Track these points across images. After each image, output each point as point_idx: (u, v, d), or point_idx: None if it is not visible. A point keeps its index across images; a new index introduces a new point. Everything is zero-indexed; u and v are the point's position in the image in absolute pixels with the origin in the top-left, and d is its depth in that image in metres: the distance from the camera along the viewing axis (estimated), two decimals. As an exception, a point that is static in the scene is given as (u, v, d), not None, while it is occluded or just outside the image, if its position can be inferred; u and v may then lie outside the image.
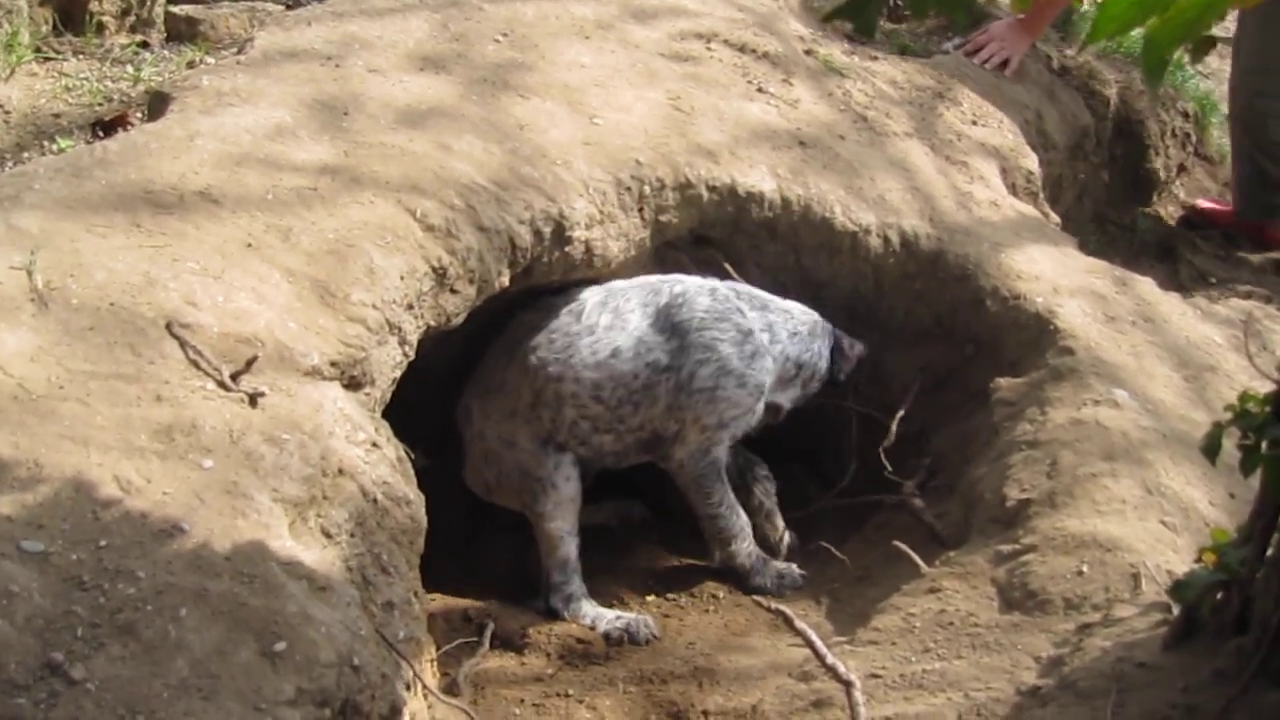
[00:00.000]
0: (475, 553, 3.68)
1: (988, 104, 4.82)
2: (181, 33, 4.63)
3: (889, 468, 3.47)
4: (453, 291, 3.01)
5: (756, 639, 3.22)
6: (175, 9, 4.62)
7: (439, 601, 3.24)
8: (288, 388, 2.34)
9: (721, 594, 3.50)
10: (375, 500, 2.34)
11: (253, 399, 2.25)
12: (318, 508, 2.18)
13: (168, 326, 2.35)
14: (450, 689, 2.83)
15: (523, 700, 2.84)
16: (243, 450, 2.14)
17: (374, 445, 2.42)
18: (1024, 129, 4.91)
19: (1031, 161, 4.71)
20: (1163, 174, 6.24)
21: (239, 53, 3.66)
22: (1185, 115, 6.33)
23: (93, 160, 2.88)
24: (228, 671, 1.79)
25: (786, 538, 3.65)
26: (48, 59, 4.25)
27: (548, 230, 3.27)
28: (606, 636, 3.16)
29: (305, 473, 2.17)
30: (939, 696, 2.42)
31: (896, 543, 3.17)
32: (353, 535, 2.23)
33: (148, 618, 1.81)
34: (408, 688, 2.23)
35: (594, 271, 3.48)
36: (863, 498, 3.58)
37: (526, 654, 3.13)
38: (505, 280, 3.19)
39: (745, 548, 3.42)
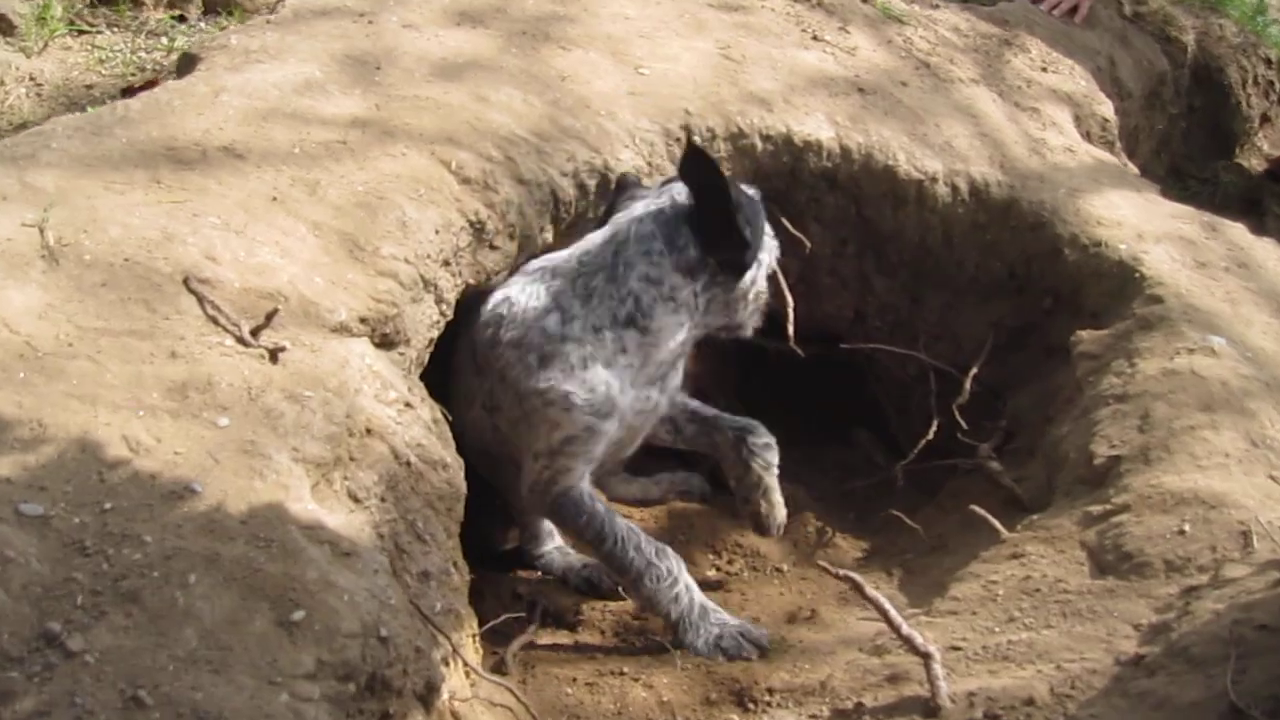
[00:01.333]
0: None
1: (1057, 51, 4.55)
2: (218, 4, 4.52)
3: (964, 426, 3.23)
4: (492, 247, 2.84)
5: (825, 612, 3.01)
6: (213, -19, 4.51)
7: (487, 577, 3.09)
8: (311, 343, 2.17)
9: (786, 566, 3.30)
10: (408, 463, 2.17)
11: (273, 355, 2.09)
12: (344, 469, 2.02)
13: (185, 281, 2.20)
14: (498, 668, 2.67)
15: (575, 679, 2.66)
16: (261, 408, 1.98)
17: (407, 405, 2.25)
18: (1096, 76, 4.64)
19: (1106, 108, 4.44)
20: (1245, 125, 5.91)
21: (271, 14, 3.52)
22: (1268, 62, 5.98)
23: (114, 118, 2.75)
24: (240, 642, 1.63)
25: (780, 516, 3.11)
26: (82, 32, 4.16)
27: (592, 183, 3.08)
28: (576, 589, 3.02)
29: (329, 431, 2.00)
30: (1027, 669, 2.20)
31: (974, 506, 2.94)
32: (383, 500, 2.07)
33: (154, 585, 1.66)
34: (446, 663, 2.06)
35: (642, 227, 3.29)
36: (935, 462, 3.33)
37: (580, 631, 2.95)
38: (549, 236, 3.02)
39: (663, 589, 2.69)
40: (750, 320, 2.97)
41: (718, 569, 3.30)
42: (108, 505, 1.74)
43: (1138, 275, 3.24)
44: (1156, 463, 2.59)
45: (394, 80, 3.10)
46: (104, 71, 3.93)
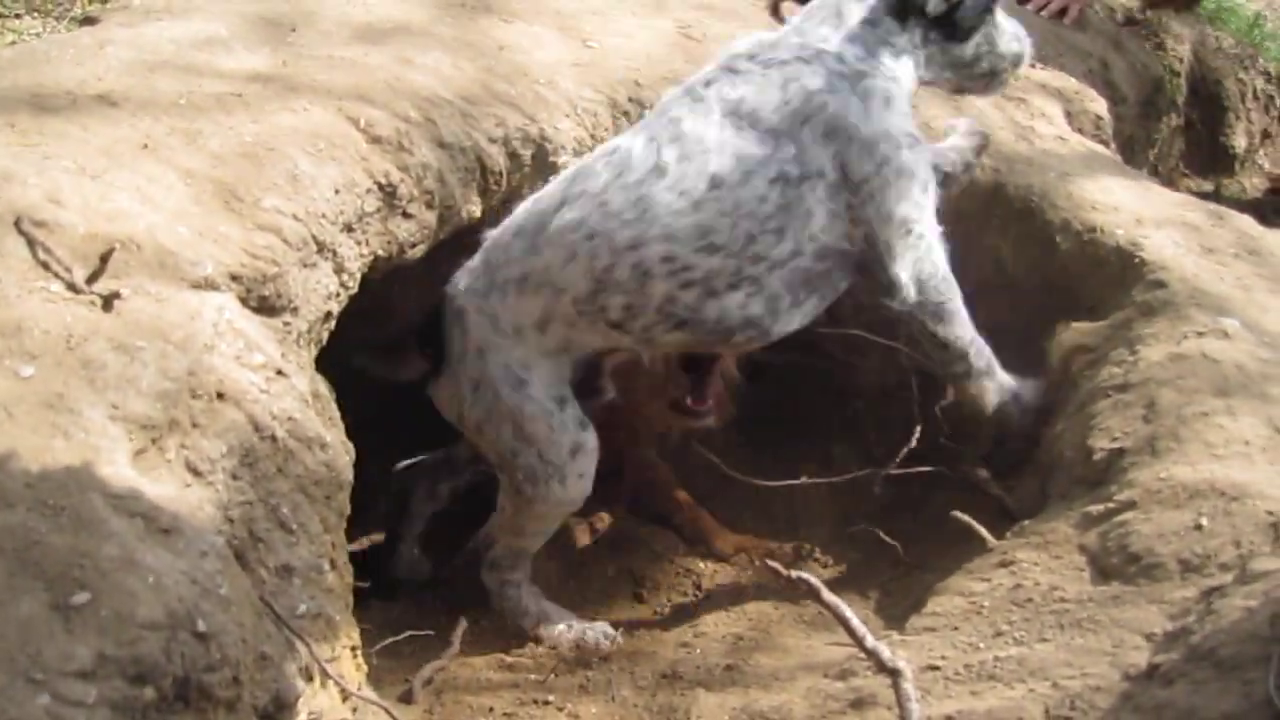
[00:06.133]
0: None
1: (1045, 50, 4.27)
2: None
3: (947, 429, 2.88)
4: (406, 215, 2.50)
5: (788, 638, 2.64)
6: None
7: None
8: (159, 294, 1.83)
9: (749, 589, 2.93)
10: (273, 438, 1.81)
11: (107, 302, 1.74)
12: (182, 435, 1.66)
13: (16, 223, 1.86)
14: (405, 695, 2.30)
15: (491, 709, 2.28)
16: (79, 358, 1.63)
17: (278, 373, 1.90)
18: (1088, 79, 4.35)
19: (1100, 106, 4.13)
20: (1244, 141, 5.63)
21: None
22: (1267, 76, 5.72)
23: (-23, 67, 2.44)
24: (-5, 629, 1.27)
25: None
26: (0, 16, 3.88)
27: (527, 154, 2.76)
28: (552, 645, 2.58)
29: (162, 388, 1.65)
30: (1018, 688, 1.83)
31: (956, 512, 2.58)
32: (235, 477, 1.71)
33: (-107, 557, 1.30)
34: (307, 677, 1.69)
35: (586, 208, 2.96)
36: (915, 468, 2.96)
37: (511, 657, 2.58)
38: (475, 210, 2.69)
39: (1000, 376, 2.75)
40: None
41: (674, 590, 2.93)
42: None
43: (1138, 260, 2.90)
44: (1165, 454, 2.24)
45: (308, 41, 2.79)
46: (12, 54, 3.62)
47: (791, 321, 2.59)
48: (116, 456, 1.53)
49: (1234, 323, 2.53)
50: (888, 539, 2.86)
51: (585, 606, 2.82)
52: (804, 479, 3.11)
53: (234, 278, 2.01)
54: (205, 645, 1.42)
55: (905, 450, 3.00)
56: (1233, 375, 2.36)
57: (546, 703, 2.29)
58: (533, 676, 2.46)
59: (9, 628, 1.27)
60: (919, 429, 3.07)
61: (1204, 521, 2.00)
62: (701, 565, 3.01)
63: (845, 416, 3.57)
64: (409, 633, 2.27)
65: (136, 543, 1.43)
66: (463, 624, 2.57)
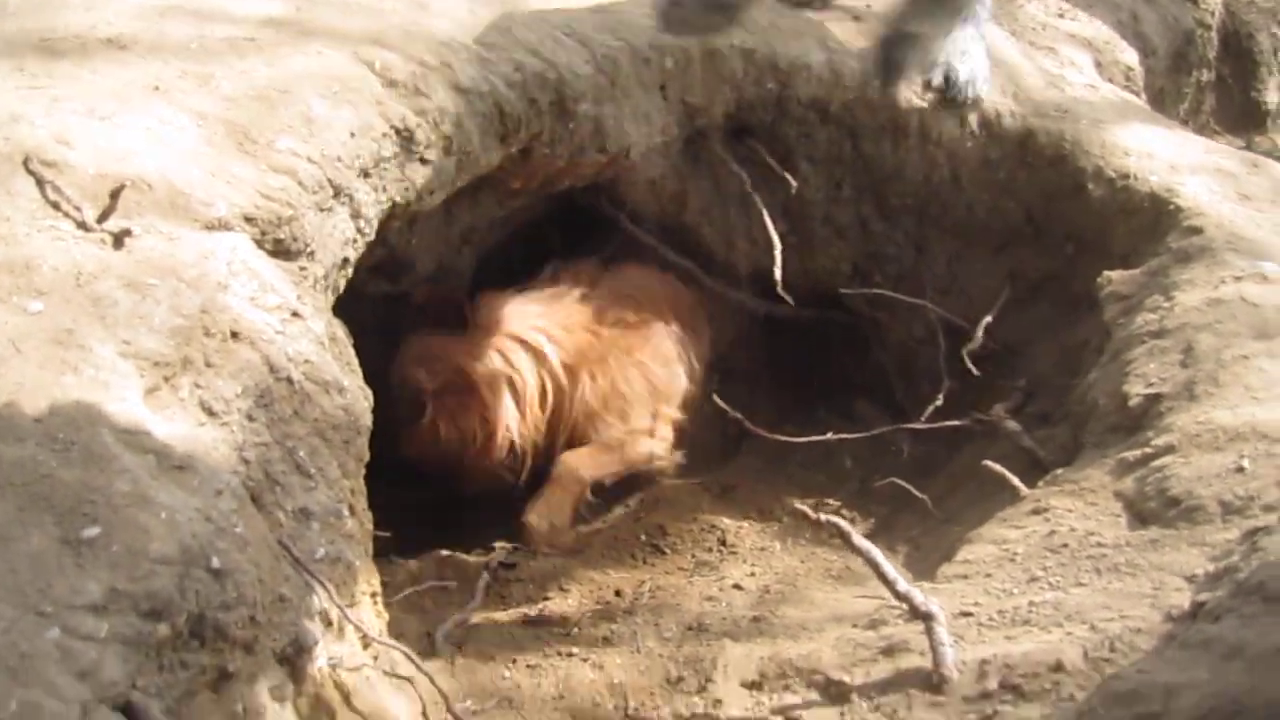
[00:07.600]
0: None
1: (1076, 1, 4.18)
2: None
3: (975, 373, 2.82)
4: (423, 161, 2.45)
5: (815, 591, 2.59)
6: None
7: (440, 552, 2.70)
8: (171, 233, 1.79)
9: (775, 545, 2.88)
10: (289, 379, 1.77)
11: (118, 239, 1.70)
12: (196, 374, 1.62)
13: (24, 162, 1.82)
14: (429, 648, 2.27)
15: (514, 661, 2.25)
16: (89, 295, 1.59)
17: (294, 315, 1.86)
18: (1118, 30, 4.24)
19: (1131, 56, 4.05)
20: (1276, 97, 5.51)
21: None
22: (1301, 30, 5.59)
23: (-14, 12, 2.39)
24: (5, 562, 1.23)
25: None
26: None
27: (545, 100, 2.70)
28: None
29: (174, 324, 1.61)
30: (1054, 632, 1.77)
31: (988, 462, 2.53)
32: (250, 419, 1.67)
33: (-101, 490, 1.26)
34: (326, 621, 1.66)
35: (606, 157, 2.90)
36: (944, 423, 2.90)
37: (534, 610, 2.55)
38: (494, 158, 2.63)
39: None
40: None
41: (698, 546, 2.88)
42: None
43: (1172, 207, 2.82)
44: (1204, 398, 2.17)
45: (323, -14, 2.73)
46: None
47: None
48: (127, 393, 1.49)
49: (1273, 266, 2.45)
50: (916, 493, 2.81)
51: (609, 563, 2.79)
52: (829, 435, 3.06)
53: (248, 219, 1.96)
54: (220, 583, 1.38)
55: (932, 407, 2.95)
56: (1272, 318, 2.29)
57: (571, 654, 2.25)
58: (557, 629, 2.42)
59: (19, 561, 1.24)
60: (946, 384, 3.03)
61: (1245, 463, 1.94)
62: (726, 521, 2.96)
63: (870, 372, 3.52)
64: (430, 583, 2.23)
65: (149, 479, 1.39)
66: (485, 576, 2.55)
